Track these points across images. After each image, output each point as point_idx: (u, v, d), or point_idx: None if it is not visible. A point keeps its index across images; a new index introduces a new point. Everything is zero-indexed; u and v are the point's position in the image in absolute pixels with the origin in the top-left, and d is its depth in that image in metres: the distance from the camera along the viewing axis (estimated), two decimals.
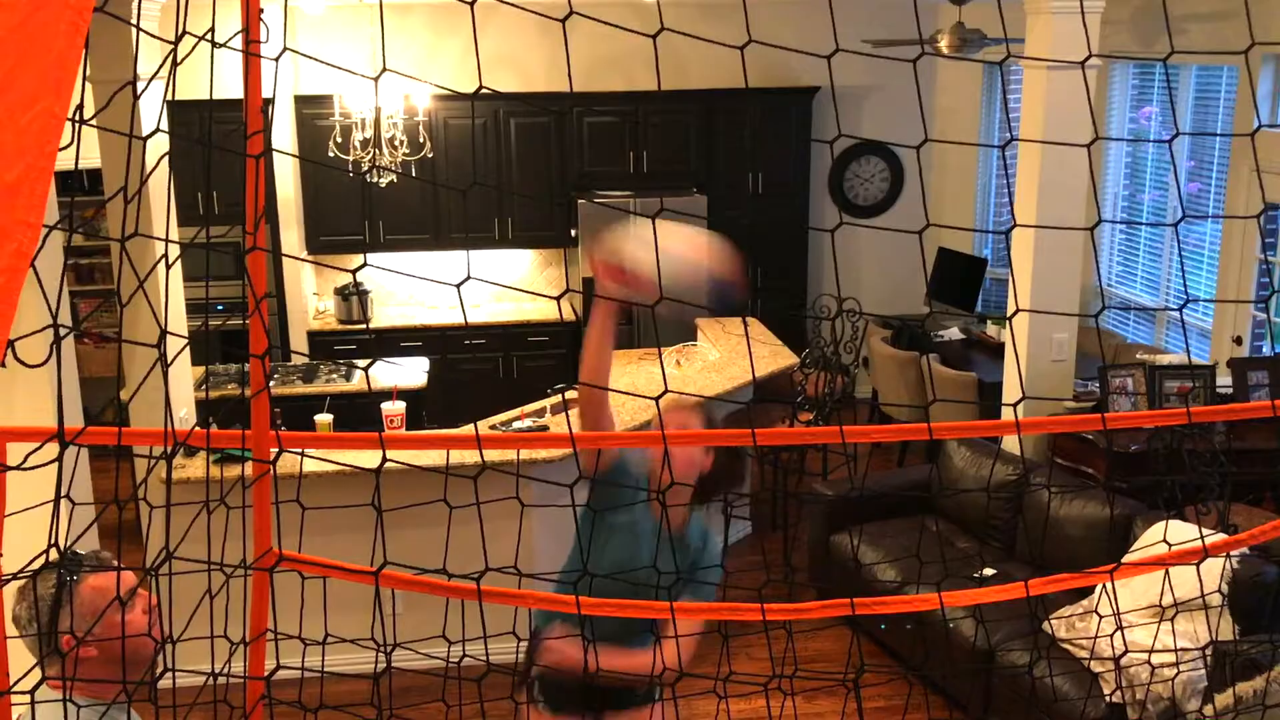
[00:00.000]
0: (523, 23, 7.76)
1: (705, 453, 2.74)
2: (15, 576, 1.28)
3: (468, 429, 5.31)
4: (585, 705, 2.65)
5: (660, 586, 2.28)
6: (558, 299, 1.80)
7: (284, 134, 7.60)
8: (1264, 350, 6.03)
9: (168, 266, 1.43)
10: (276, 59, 1.37)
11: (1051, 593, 2.58)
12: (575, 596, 1.49)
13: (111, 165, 4.67)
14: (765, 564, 6.06)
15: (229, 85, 1.86)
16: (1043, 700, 4.09)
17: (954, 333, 7.64)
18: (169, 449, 1.31)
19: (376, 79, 1.36)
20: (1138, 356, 6.01)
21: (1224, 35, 5.92)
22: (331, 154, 6.68)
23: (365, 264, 1.27)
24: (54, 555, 1.17)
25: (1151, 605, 3.98)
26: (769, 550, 6.19)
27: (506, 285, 1.34)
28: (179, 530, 1.36)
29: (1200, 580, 3.73)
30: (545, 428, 5.14)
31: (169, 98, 1.38)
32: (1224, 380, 5.55)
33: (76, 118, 0.97)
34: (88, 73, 1.05)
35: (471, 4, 1.29)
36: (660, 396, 1.68)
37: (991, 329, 7.49)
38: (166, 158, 1.44)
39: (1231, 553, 3.84)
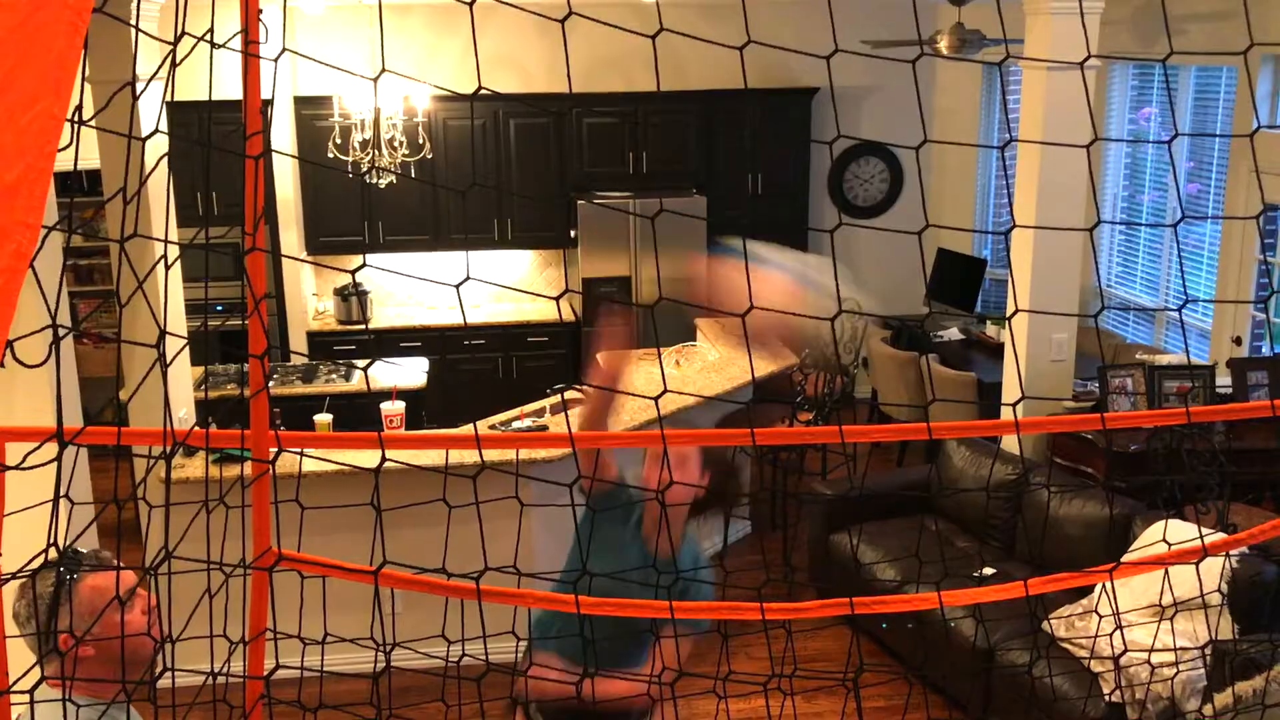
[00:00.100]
0: (522, 23, 7.76)
1: (700, 475, 2.70)
2: (15, 576, 1.28)
3: (467, 429, 5.31)
4: None
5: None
6: (556, 299, 1.77)
7: (283, 135, 7.60)
8: (1263, 350, 6.03)
9: (166, 267, 1.43)
10: (275, 60, 1.37)
11: (1051, 592, 2.59)
12: (575, 596, 1.49)
13: (110, 166, 4.67)
14: (765, 563, 6.06)
15: (228, 86, 1.86)
16: (1042, 700, 4.09)
17: (953, 333, 7.64)
18: (168, 448, 1.31)
19: (376, 79, 1.36)
20: (1137, 357, 6.01)
21: (1223, 36, 5.92)
22: (331, 155, 6.68)
23: (364, 264, 1.27)
24: (53, 555, 1.17)
25: (1151, 605, 3.98)
26: (768, 550, 6.19)
27: (505, 285, 1.34)
28: (178, 530, 1.36)
29: (1200, 580, 3.74)
30: (545, 428, 5.15)
31: (168, 98, 1.38)
32: (1223, 380, 5.55)
33: (75, 118, 0.98)
34: (87, 73, 1.05)
35: (471, 4, 1.29)
36: (660, 396, 1.68)
37: (991, 329, 7.49)
38: (165, 159, 1.44)
39: (1231, 552, 3.84)
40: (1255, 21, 5.79)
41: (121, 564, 2.09)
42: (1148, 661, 3.89)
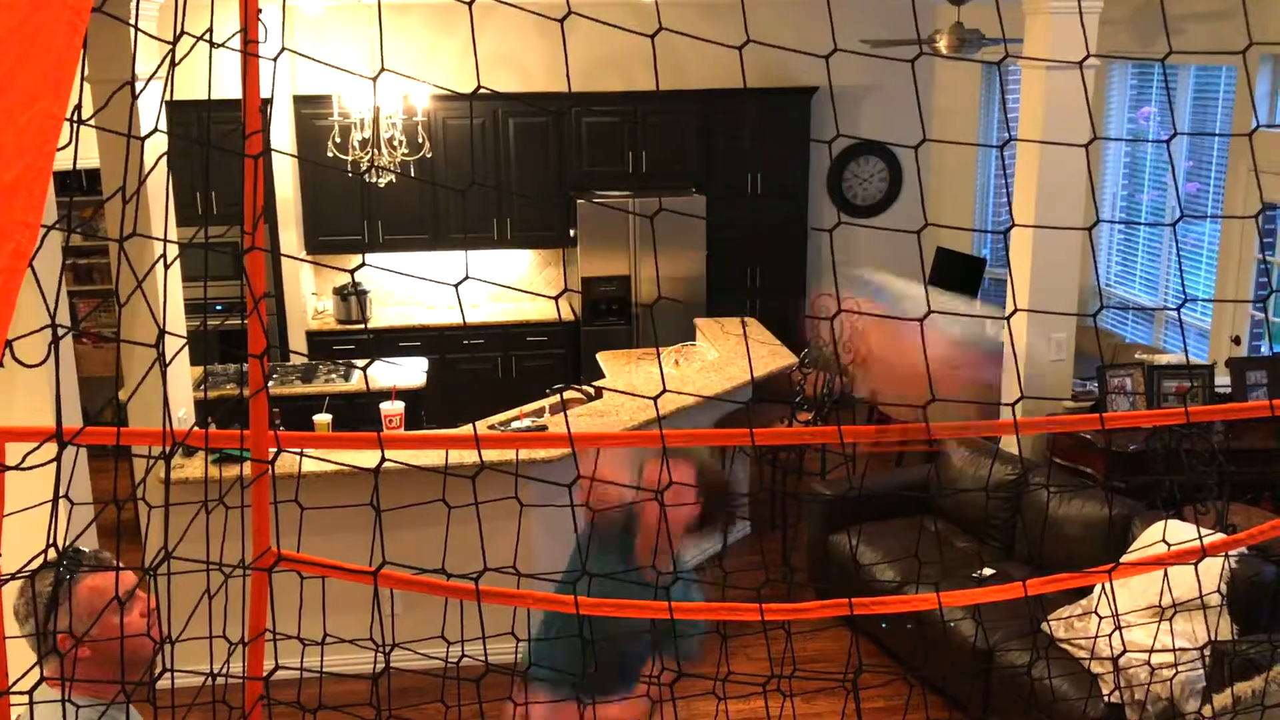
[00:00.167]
0: (521, 23, 7.76)
1: (695, 502, 2.67)
2: (14, 576, 1.28)
3: (466, 429, 5.31)
4: None
5: (644, 633, 2.26)
6: (555, 299, 1.74)
7: (283, 134, 7.60)
8: (1262, 350, 6.03)
9: (166, 266, 1.43)
10: (275, 59, 1.37)
11: (1050, 593, 2.59)
12: (574, 596, 1.49)
13: (110, 165, 4.67)
14: (764, 564, 6.06)
15: (228, 85, 1.86)
16: (1042, 700, 4.09)
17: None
18: (167, 448, 1.31)
19: (375, 79, 1.36)
20: (1136, 356, 6.01)
21: (1222, 35, 5.92)
22: (330, 154, 6.67)
23: (364, 264, 1.27)
24: (52, 555, 1.17)
25: (1150, 605, 3.98)
26: (768, 550, 6.19)
27: (504, 284, 1.34)
28: (178, 530, 1.36)
29: (1199, 580, 3.74)
30: (544, 428, 5.14)
31: (167, 98, 1.38)
32: (1222, 380, 5.55)
33: (74, 118, 0.97)
34: (86, 72, 1.05)
35: (470, 4, 1.29)
36: (659, 396, 1.68)
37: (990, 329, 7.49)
38: (165, 158, 1.44)
39: (1230, 552, 3.84)
40: (1254, 21, 5.79)
41: (121, 565, 2.09)
42: (1148, 663, 3.89)
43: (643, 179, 8.02)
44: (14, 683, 1.31)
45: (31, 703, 1.36)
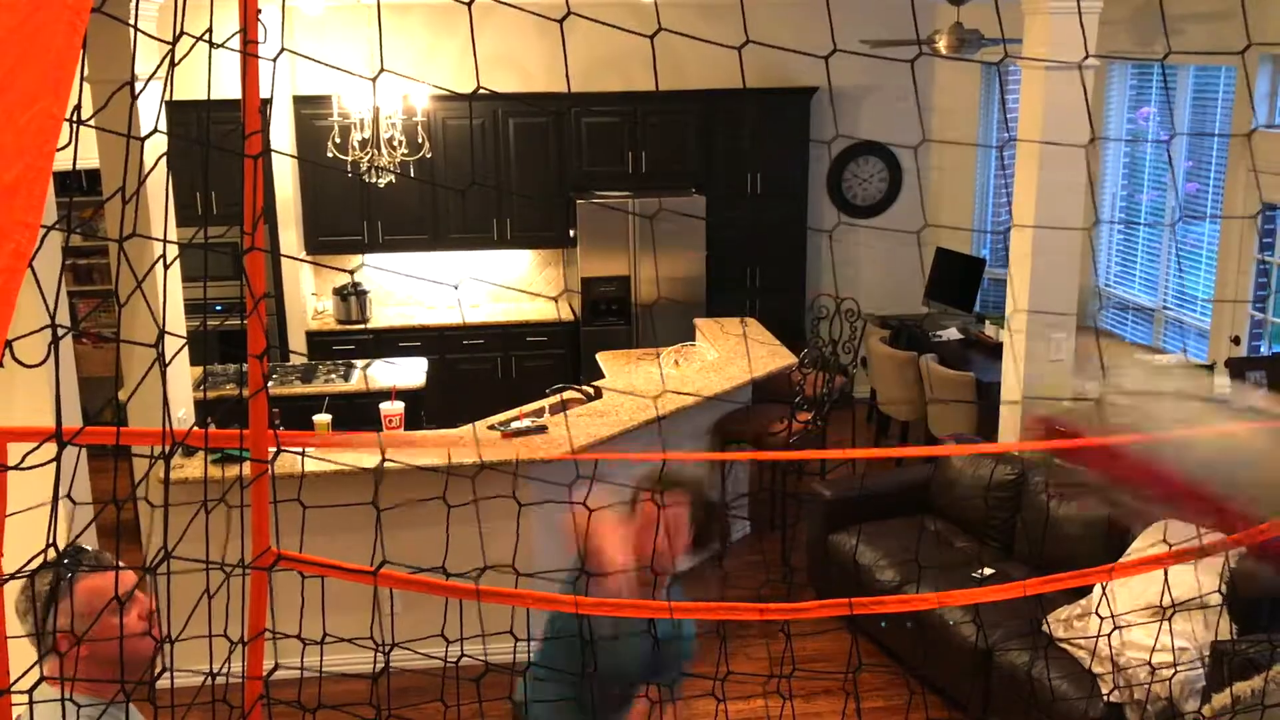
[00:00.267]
0: (521, 23, 7.76)
1: (688, 533, 2.63)
2: (14, 576, 1.28)
3: (466, 429, 5.30)
4: None
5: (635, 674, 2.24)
6: (556, 299, 1.72)
7: (282, 134, 7.60)
8: (1262, 350, 6.03)
9: (165, 267, 1.43)
10: (274, 59, 1.37)
11: (1049, 592, 2.59)
12: (574, 597, 1.49)
13: (109, 166, 4.67)
14: (765, 563, 6.06)
15: (227, 86, 1.86)
16: (1041, 700, 4.09)
17: (952, 333, 7.64)
18: (166, 449, 1.31)
19: (375, 79, 1.36)
20: (1136, 356, 6.01)
21: (1222, 35, 5.92)
22: (330, 154, 6.67)
23: (362, 264, 1.27)
24: (51, 555, 1.17)
25: (1150, 605, 3.98)
26: (767, 550, 6.19)
27: (504, 285, 1.34)
28: (178, 531, 1.36)
29: (1198, 580, 3.74)
30: (544, 428, 5.14)
31: (167, 98, 1.38)
32: (1222, 380, 5.55)
33: (74, 118, 0.98)
34: (85, 73, 1.05)
35: (469, 4, 1.29)
36: (659, 396, 1.67)
37: (990, 329, 7.50)
38: (164, 158, 1.44)
39: (1229, 552, 3.84)
40: (1253, 21, 5.79)
41: (121, 565, 2.09)
42: (1150, 665, 3.89)
43: (642, 179, 8.02)
44: (15, 681, 1.31)
45: (32, 702, 1.36)
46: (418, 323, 7.97)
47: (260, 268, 1.40)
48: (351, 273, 7.91)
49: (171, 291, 4.78)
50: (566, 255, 8.28)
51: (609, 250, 7.86)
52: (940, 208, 8.70)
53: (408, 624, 4.26)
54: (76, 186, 7.44)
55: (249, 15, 1.27)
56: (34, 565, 1.31)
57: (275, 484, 1.48)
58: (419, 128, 6.90)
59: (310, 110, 7.55)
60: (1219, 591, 3.78)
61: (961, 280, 7.99)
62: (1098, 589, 4.10)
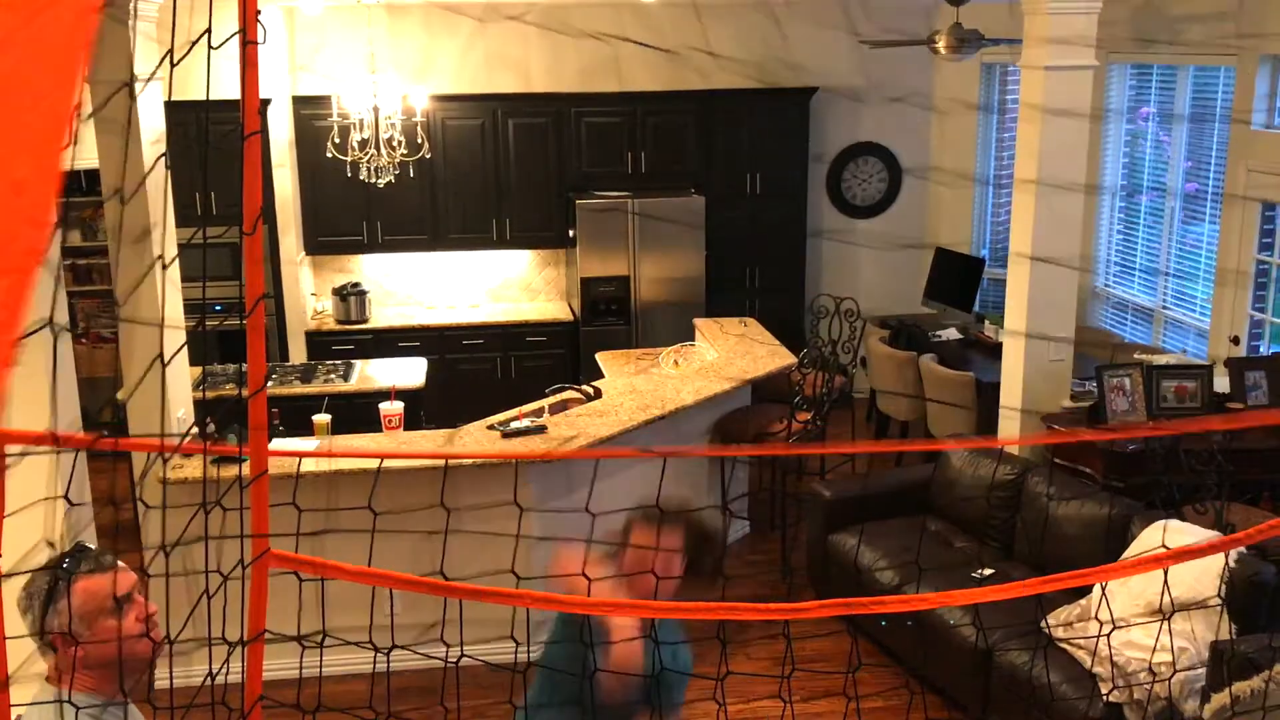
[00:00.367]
0: (520, 23, 7.76)
1: (679, 566, 2.56)
2: (11, 575, 1.28)
3: (465, 430, 5.30)
4: None
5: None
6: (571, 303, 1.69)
7: (282, 134, 7.59)
8: (1261, 350, 6.04)
9: (163, 267, 1.43)
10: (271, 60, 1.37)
11: (1049, 592, 2.58)
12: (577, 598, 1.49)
13: (109, 165, 4.66)
14: (765, 563, 6.07)
15: (227, 86, 1.86)
16: (1041, 700, 4.09)
17: (951, 333, 7.64)
18: (163, 453, 1.31)
19: (374, 79, 1.36)
20: (1135, 356, 6.01)
21: (1222, 35, 5.92)
22: (329, 155, 6.67)
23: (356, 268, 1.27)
24: (49, 554, 1.17)
25: (1149, 605, 3.98)
26: (767, 550, 6.19)
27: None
28: (176, 531, 1.36)
29: (1198, 580, 3.74)
30: (543, 428, 5.14)
31: (167, 98, 1.38)
32: (1221, 380, 5.56)
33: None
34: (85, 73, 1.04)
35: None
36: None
37: (989, 329, 7.49)
38: (164, 159, 1.44)
39: (1229, 552, 3.84)
40: (1253, 21, 5.79)
41: (121, 566, 2.09)
42: (1150, 668, 3.89)
43: (642, 179, 8.02)
44: (14, 671, 1.30)
45: (33, 703, 1.36)
46: (417, 323, 7.97)
47: (259, 255, 1.38)
48: (353, 283, 7.88)
49: (171, 292, 4.77)
50: (566, 256, 8.28)
51: (608, 250, 7.86)
52: (940, 208, 8.70)
53: (408, 624, 4.25)
54: (76, 186, 7.43)
55: (249, 16, 1.27)
56: (31, 564, 1.31)
57: (271, 485, 1.48)
58: (418, 128, 6.90)
59: (310, 110, 7.54)
60: (1219, 595, 3.78)
61: (961, 280, 7.99)
62: (1097, 589, 4.10)
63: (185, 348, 4.85)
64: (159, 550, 1.37)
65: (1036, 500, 4.98)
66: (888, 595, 4.80)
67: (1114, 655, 3.98)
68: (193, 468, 4.66)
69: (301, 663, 1.67)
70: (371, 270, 8.23)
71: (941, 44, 6.31)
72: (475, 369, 7.94)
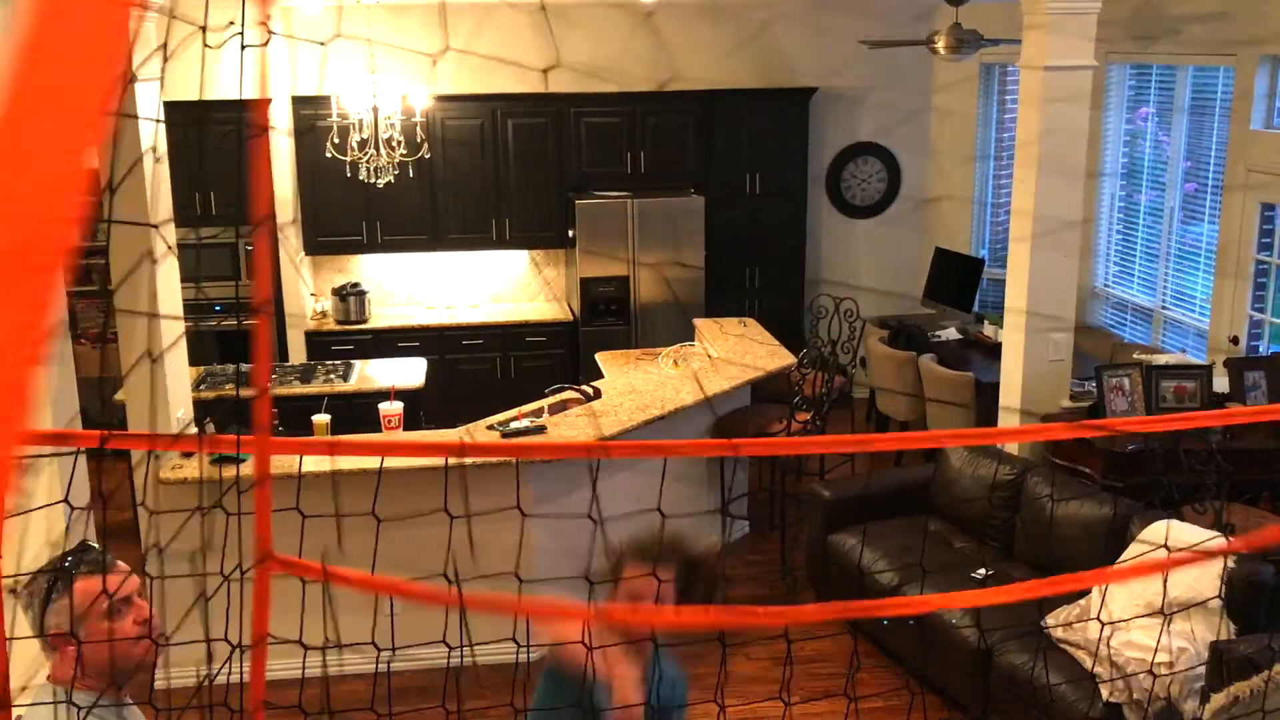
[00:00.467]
0: (520, 23, 7.76)
1: (675, 596, 2.47)
2: (13, 577, 1.28)
3: (464, 430, 5.30)
4: None
5: None
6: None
7: (281, 135, 7.59)
8: (1260, 350, 6.04)
9: (154, 263, 1.43)
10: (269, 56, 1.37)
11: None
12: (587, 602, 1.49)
13: (108, 165, 4.65)
14: (765, 564, 6.07)
15: (227, 86, 1.86)
16: (1041, 700, 4.09)
17: (951, 333, 7.65)
18: (155, 450, 1.31)
19: (373, 79, 1.36)
20: (1134, 356, 6.01)
21: (1221, 35, 5.93)
22: (329, 155, 6.67)
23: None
24: (47, 557, 1.17)
25: (1149, 605, 3.98)
26: (767, 550, 6.20)
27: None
28: (179, 532, 1.36)
29: (1197, 581, 3.74)
30: (543, 428, 5.14)
31: (168, 98, 1.38)
32: (1220, 380, 5.56)
33: None
34: None
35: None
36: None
37: (989, 329, 7.50)
38: (164, 157, 1.44)
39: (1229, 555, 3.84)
40: (1253, 21, 5.80)
41: (123, 568, 2.09)
42: (1150, 670, 3.89)
43: (641, 179, 8.02)
44: (25, 682, 1.31)
45: (32, 704, 1.36)
46: (417, 323, 7.97)
47: (265, 252, 1.38)
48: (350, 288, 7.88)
49: (171, 292, 4.78)
50: (566, 256, 8.28)
51: (608, 251, 7.86)
52: (939, 208, 8.70)
53: (408, 624, 4.25)
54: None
55: (263, 12, 1.27)
56: (28, 564, 1.31)
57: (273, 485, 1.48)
58: (418, 128, 6.89)
59: (309, 110, 7.54)
60: (1218, 595, 3.78)
61: (960, 280, 7.99)
62: (1096, 589, 4.10)
63: (185, 348, 4.86)
64: (153, 549, 1.37)
65: (1036, 500, 4.98)
66: (888, 596, 4.81)
67: (1114, 655, 3.98)
68: (192, 468, 4.66)
69: (304, 664, 1.67)
70: (371, 270, 8.23)
71: (941, 44, 6.31)
72: (475, 369, 7.94)
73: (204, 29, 1.34)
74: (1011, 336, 5.54)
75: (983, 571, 4.79)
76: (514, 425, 5.16)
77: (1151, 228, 6.98)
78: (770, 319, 7.41)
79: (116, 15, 0.69)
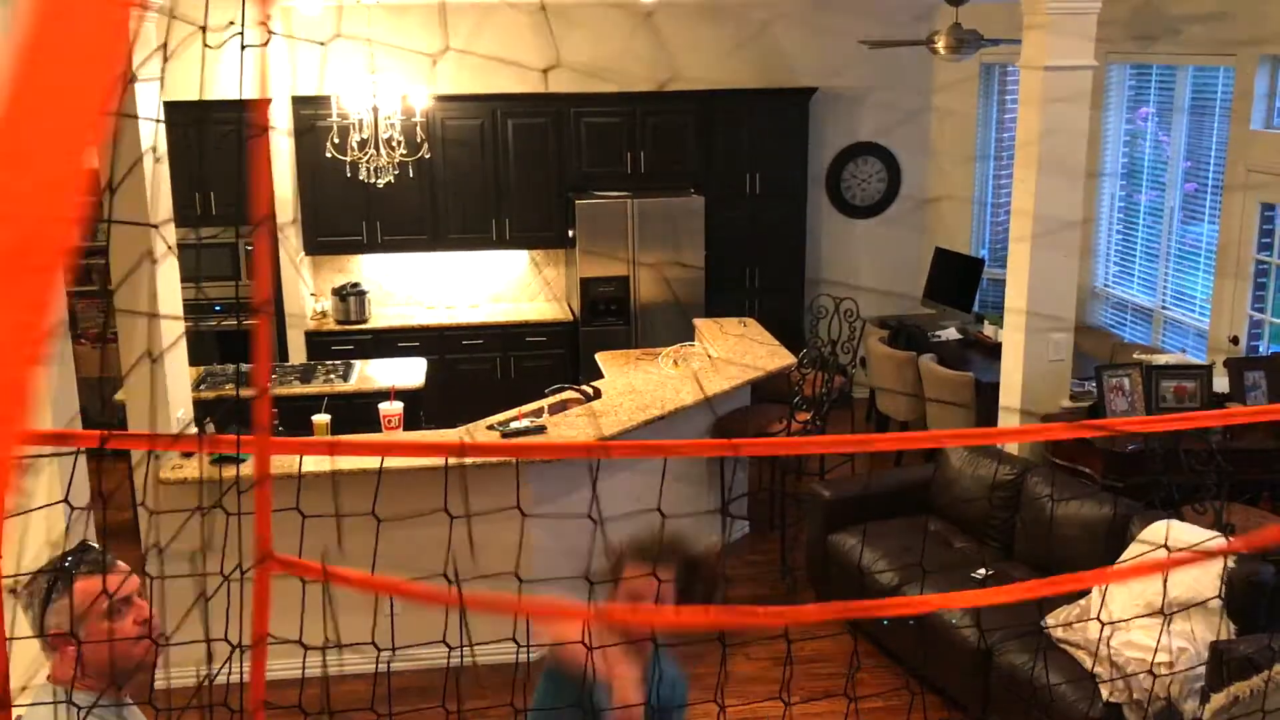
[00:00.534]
0: (520, 23, 7.77)
1: (675, 597, 2.46)
2: (14, 577, 1.28)
3: (464, 430, 5.30)
4: None
5: None
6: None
7: (280, 135, 7.59)
8: (1260, 350, 6.04)
9: (154, 263, 1.43)
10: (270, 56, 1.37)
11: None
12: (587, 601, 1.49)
13: (107, 165, 4.65)
14: (765, 563, 6.07)
15: (226, 86, 1.86)
16: (1041, 700, 4.09)
17: (951, 333, 7.65)
18: (155, 449, 1.31)
19: (373, 79, 1.36)
20: (1134, 356, 6.02)
21: (1221, 35, 5.93)
22: (329, 155, 6.67)
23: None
24: (46, 558, 1.17)
25: (1149, 605, 3.98)
26: (767, 550, 6.20)
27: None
28: (178, 533, 1.36)
29: (1197, 581, 3.74)
30: (543, 428, 5.14)
31: (168, 98, 1.38)
32: (1220, 380, 5.56)
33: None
34: None
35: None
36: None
37: (989, 329, 7.50)
38: (164, 157, 1.44)
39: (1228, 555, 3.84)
40: (1253, 21, 5.80)
41: (123, 568, 2.09)
42: (1150, 670, 3.89)
43: (641, 179, 8.02)
44: (25, 682, 1.31)
45: (33, 704, 1.36)
46: (417, 323, 7.98)
47: (266, 250, 1.38)
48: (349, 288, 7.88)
49: (171, 292, 4.78)
50: (566, 256, 8.28)
51: (608, 251, 7.86)
52: (939, 208, 8.70)
53: (408, 624, 4.25)
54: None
55: (264, 12, 1.27)
56: (28, 564, 1.31)
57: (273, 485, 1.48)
58: (418, 128, 6.90)
59: (309, 110, 7.55)
60: (1218, 595, 3.78)
61: (960, 280, 7.99)
62: (1096, 589, 4.10)
63: (185, 348, 4.86)
64: (153, 549, 1.37)
65: (1036, 500, 4.98)
66: (888, 596, 4.81)
67: (1114, 655, 3.98)
68: (192, 468, 4.66)
69: (304, 664, 1.67)
70: (371, 270, 8.23)
71: (941, 44, 6.31)
72: (475, 369, 7.94)
73: (204, 29, 1.34)
74: (1011, 336, 5.54)
75: (983, 571, 4.79)
76: (514, 425, 5.16)
77: (1151, 228, 6.98)
78: (770, 319, 7.41)
79: (116, 15, 0.69)
